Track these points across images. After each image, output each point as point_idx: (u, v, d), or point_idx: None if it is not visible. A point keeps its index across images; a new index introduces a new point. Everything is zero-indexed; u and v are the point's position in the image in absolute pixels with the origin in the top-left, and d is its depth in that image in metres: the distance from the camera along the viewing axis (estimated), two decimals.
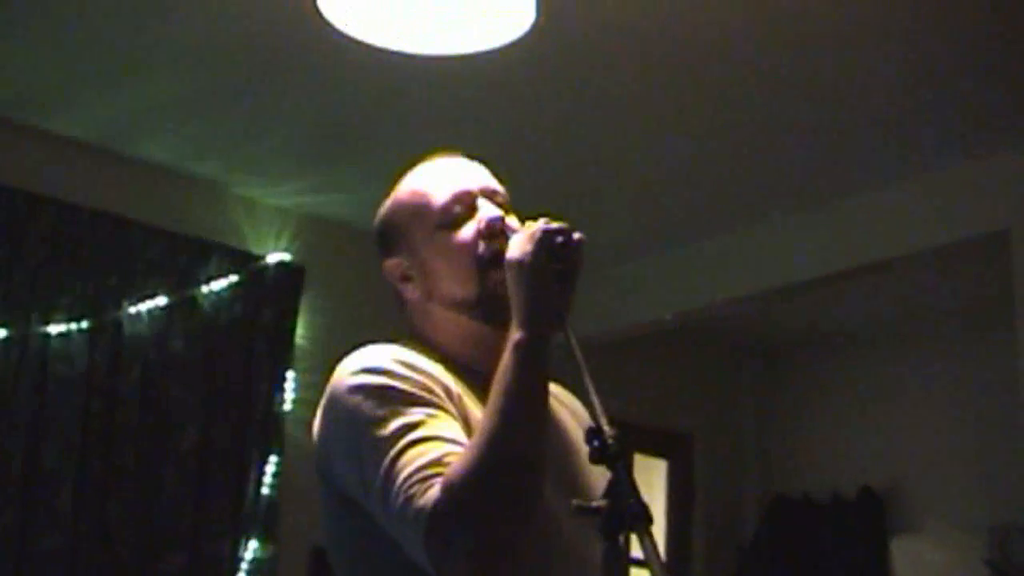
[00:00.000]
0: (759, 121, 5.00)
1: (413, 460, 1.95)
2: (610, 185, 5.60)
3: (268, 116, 5.09)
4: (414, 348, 2.23)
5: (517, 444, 1.94)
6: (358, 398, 2.10)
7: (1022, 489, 6.33)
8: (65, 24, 4.46)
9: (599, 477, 1.88)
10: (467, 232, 2.27)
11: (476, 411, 2.11)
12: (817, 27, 4.31)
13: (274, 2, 4.18)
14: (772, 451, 7.71)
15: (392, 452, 1.98)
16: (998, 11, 4.18)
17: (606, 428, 1.80)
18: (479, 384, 2.12)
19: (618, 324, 6.31)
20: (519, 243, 2.07)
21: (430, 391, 2.08)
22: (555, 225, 2.07)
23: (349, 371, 2.17)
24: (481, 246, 2.24)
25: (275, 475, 5.44)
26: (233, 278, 5.55)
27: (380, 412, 2.05)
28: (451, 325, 2.27)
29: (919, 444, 6.98)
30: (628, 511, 1.73)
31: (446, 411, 2.06)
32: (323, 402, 2.23)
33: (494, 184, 2.40)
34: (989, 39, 4.35)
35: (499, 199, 2.35)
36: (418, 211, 2.35)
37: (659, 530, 7.21)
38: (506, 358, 2.00)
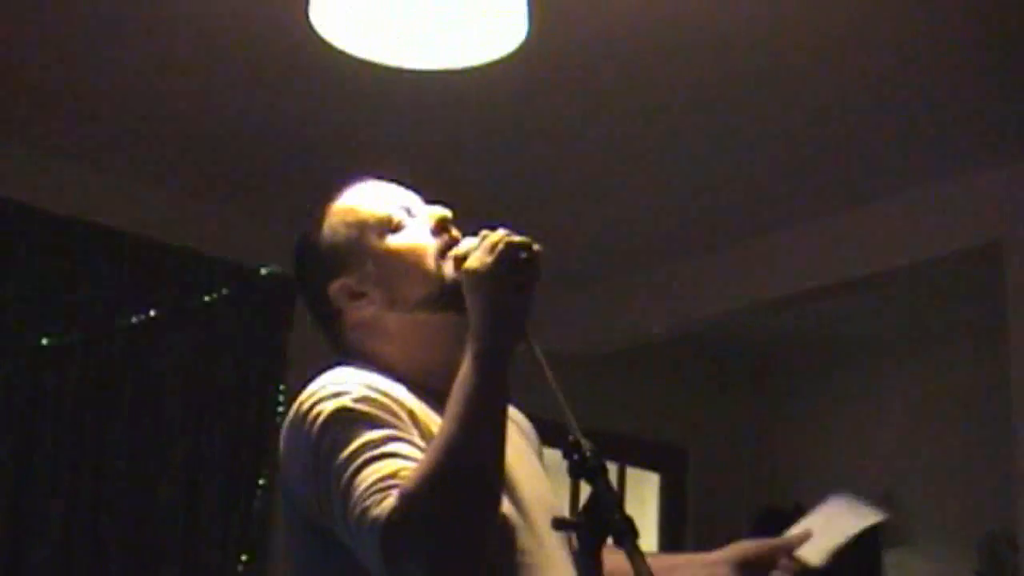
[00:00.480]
0: (752, 135, 5.01)
1: (371, 475, 1.95)
2: (600, 198, 5.61)
3: (261, 128, 5.09)
4: (372, 370, 2.21)
5: (475, 454, 1.94)
6: (320, 421, 2.09)
7: (1012, 501, 6.33)
8: (58, 37, 4.46)
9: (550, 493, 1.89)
10: (416, 230, 2.29)
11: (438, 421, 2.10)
12: (813, 43, 4.32)
13: (265, 14, 4.18)
14: (765, 463, 7.71)
15: (351, 468, 1.98)
16: (990, 24, 4.19)
17: (583, 442, 1.80)
18: (439, 404, 2.11)
19: (610, 337, 6.31)
20: (478, 254, 2.06)
21: (393, 413, 2.08)
22: (518, 238, 2.06)
23: (313, 395, 2.16)
24: (435, 240, 2.26)
25: (267, 488, 5.43)
26: (226, 290, 5.55)
27: (341, 434, 2.04)
28: (414, 330, 2.26)
29: (912, 457, 6.98)
30: (613, 525, 1.72)
31: (407, 433, 2.06)
32: (286, 425, 2.20)
33: (419, 201, 2.40)
34: (981, 52, 4.37)
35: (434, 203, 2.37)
36: (362, 224, 2.34)
37: (651, 543, 7.20)
38: (465, 367, 1.99)
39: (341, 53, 3.64)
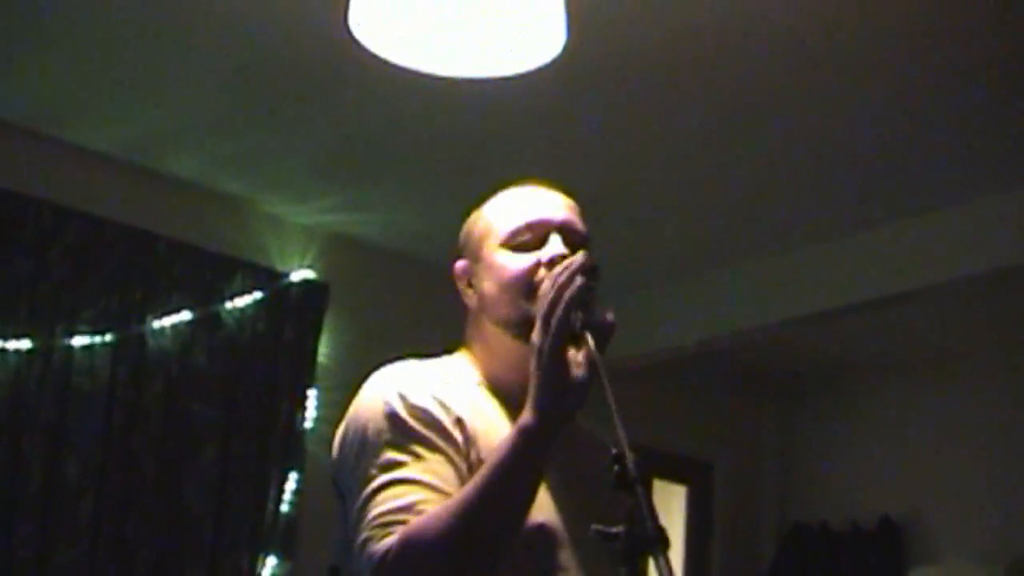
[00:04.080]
0: (788, 148, 5.00)
1: (386, 501, 2.03)
2: (635, 210, 5.60)
3: (296, 134, 5.11)
4: (454, 364, 2.32)
5: (485, 527, 1.97)
6: (364, 426, 2.18)
7: None
8: (96, 40, 4.48)
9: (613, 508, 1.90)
10: (528, 259, 2.28)
11: (505, 426, 2.14)
12: (848, 58, 4.31)
13: (304, 21, 4.19)
14: (792, 479, 7.69)
15: (372, 487, 2.07)
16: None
17: (628, 454, 1.80)
18: (513, 406, 2.16)
19: (641, 350, 6.29)
20: (539, 324, 2.01)
21: (437, 427, 2.13)
22: (565, 312, 1.98)
23: (367, 394, 2.26)
24: (538, 275, 2.24)
25: (295, 492, 5.44)
26: (257, 295, 5.56)
27: (377, 442, 2.12)
28: (495, 341, 2.30)
29: (940, 475, 6.96)
30: (646, 535, 1.74)
31: (443, 451, 2.10)
32: (346, 418, 2.30)
33: (576, 222, 2.40)
34: (1020, 70, 4.35)
35: (576, 237, 2.35)
36: (491, 225, 2.37)
37: (677, 556, 7.19)
38: (509, 436, 1.99)
39: (379, 60, 3.64)
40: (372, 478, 2.08)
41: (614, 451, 1.81)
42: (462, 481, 2.06)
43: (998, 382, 6.79)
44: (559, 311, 1.98)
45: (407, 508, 2.00)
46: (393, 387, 2.21)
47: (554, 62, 3.62)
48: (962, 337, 6.81)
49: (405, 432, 2.11)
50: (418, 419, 2.13)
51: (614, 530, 1.79)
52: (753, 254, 5.97)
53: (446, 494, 2.03)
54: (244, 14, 4.22)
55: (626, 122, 4.85)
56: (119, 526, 5.09)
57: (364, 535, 2.02)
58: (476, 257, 2.37)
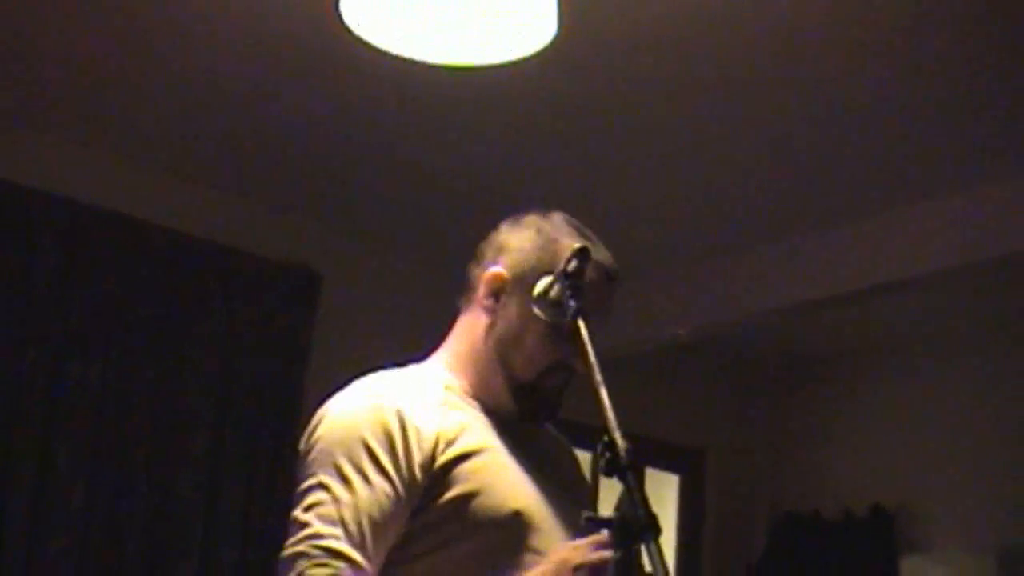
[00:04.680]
0: (781, 137, 5.00)
1: (324, 522, 2.23)
2: (627, 199, 5.60)
3: (288, 122, 5.10)
4: (434, 377, 2.39)
5: None
6: (342, 426, 2.32)
7: None
8: (87, 29, 4.47)
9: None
10: (561, 351, 2.32)
11: (488, 439, 2.28)
12: (848, 43, 4.31)
13: (294, 8, 4.19)
14: (784, 467, 7.70)
15: (317, 488, 2.27)
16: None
17: (619, 441, 1.82)
18: (493, 415, 2.32)
19: (634, 338, 6.29)
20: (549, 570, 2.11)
21: (401, 455, 2.22)
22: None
23: (354, 398, 2.37)
24: (555, 351, 2.32)
25: (287, 483, 5.43)
26: (250, 284, 5.55)
27: (340, 449, 2.27)
28: (489, 370, 2.35)
29: (932, 464, 6.97)
30: (637, 522, 1.75)
31: (393, 483, 2.21)
32: (328, 409, 2.40)
33: (609, 304, 2.44)
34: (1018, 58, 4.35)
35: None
36: (535, 266, 2.38)
37: (669, 544, 7.20)
38: None
39: (371, 47, 3.64)
40: (320, 483, 2.26)
41: (605, 438, 1.83)
42: (399, 507, 2.19)
43: (990, 371, 6.80)
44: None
45: (333, 552, 2.17)
46: (362, 406, 2.32)
47: (545, 49, 3.62)
48: (954, 326, 6.82)
49: (369, 450, 2.22)
50: (386, 448, 2.23)
51: (606, 516, 1.81)
52: (746, 243, 5.97)
53: (376, 524, 2.17)
54: (234, 3, 4.21)
55: (618, 110, 4.84)
56: (110, 515, 5.08)
57: (298, 548, 2.21)
58: (524, 287, 2.36)
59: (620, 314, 6.71)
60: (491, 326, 2.39)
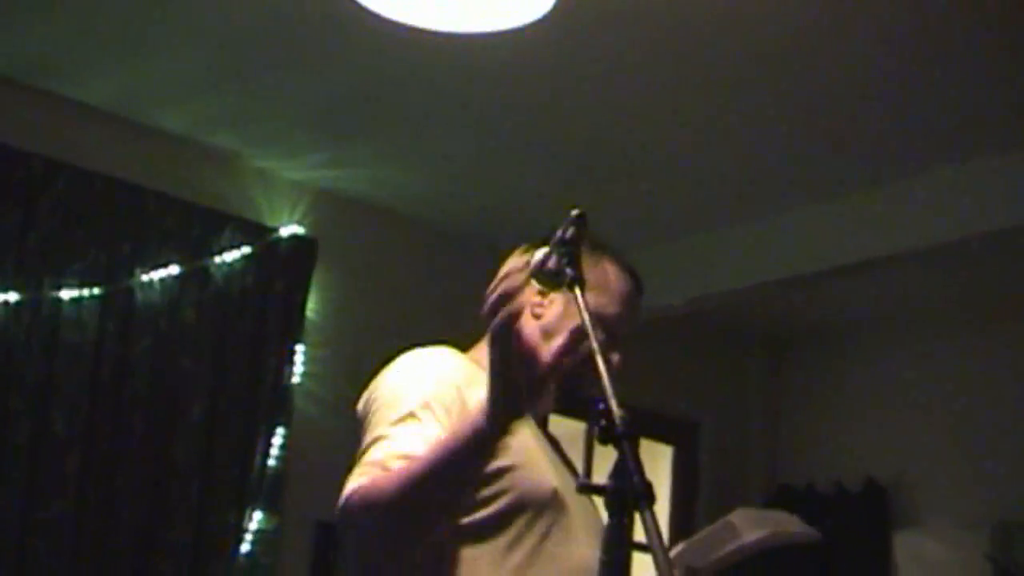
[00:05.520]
0: (775, 111, 4.99)
1: (381, 446, 2.25)
2: (623, 170, 5.60)
3: (286, 89, 5.09)
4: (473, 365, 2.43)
5: (426, 497, 2.13)
6: (381, 398, 2.39)
7: None
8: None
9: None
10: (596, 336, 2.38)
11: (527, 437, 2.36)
12: (835, 19, 4.30)
13: None
14: (778, 440, 7.71)
15: (379, 433, 2.28)
16: (1013, 7, 4.17)
17: (615, 409, 1.82)
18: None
19: None
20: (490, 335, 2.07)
21: (451, 418, 2.28)
22: (499, 321, 2.02)
23: (392, 367, 2.47)
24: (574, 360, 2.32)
25: (282, 448, 5.45)
26: (246, 250, 5.55)
27: (384, 419, 2.32)
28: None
29: (925, 438, 6.97)
30: (631, 490, 1.75)
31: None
32: (383, 376, 2.49)
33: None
34: (1007, 34, 4.34)
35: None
36: (593, 278, 2.46)
37: (663, 516, 7.21)
38: (465, 429, 2.11)
39: (370, 14, 3.63)
40: (377, 436, 2.28)
41: (600, 406, 1.83)
42: None
43: (984, 346, 6.80)
44: (496, 325, 2.02)
45: (383, 460, 2.21)
46: (414, 367, 2.43)
47: (546, 16, 3.61)
48: (948, 301, 6.81)
49: (430, 405, 2.29)
50: (446, 400, 2.30)
51: (600, 484, 1.81)
52: (741, 216, 5.97)
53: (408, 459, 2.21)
54: None
55: (617, 80, 4.84)
56: (106, 480, 5.09)
57: (354, 471, 2.23)
58: (564, 305, 2.48)
59: None
60: (542, 311, 2.53)
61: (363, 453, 2.27)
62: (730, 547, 2.82)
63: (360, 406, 2.44)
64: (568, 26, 4.22)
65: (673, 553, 2.81)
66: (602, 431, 1.83)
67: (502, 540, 2.28)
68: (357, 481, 2.18)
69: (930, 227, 5.41)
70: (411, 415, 2.27)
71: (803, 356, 7.72)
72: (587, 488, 1.89)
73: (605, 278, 2.60)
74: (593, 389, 2.10)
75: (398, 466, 2.17)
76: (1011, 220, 5.19)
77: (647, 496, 1.75)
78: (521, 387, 2.03)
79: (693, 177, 5.66)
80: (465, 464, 2.12)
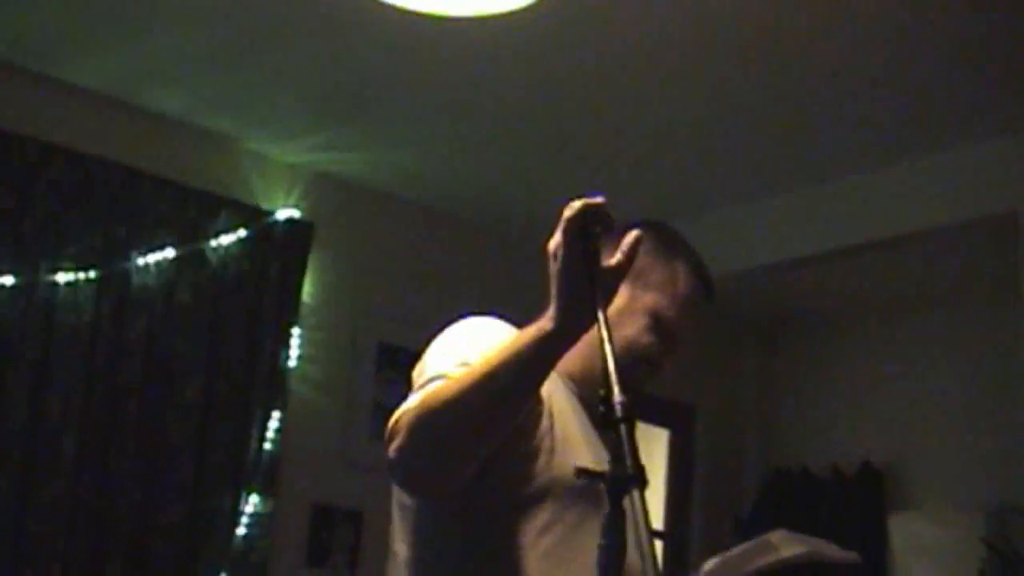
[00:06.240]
0: (770, 94, 4.99)
1: (428, 385, 2.15)
2: (615, 155, 5.60)
3: (282, 72, 5.09)
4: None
5: (488, 404, 2.06)
6: (433, 348, 2.31)
7: (1022, 471, 6.34)
8: None
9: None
10: (657, 350, 2.48)
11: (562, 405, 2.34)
12: (830, 6, 4.30)
13: None
14: (773, 424, 7.72)
15: (430, 374, 2.19)
16: None
17: (616, 394, 1.82)
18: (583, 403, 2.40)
19: None
20: (555, 236, 2.06)
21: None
22: (573, 210, 2.03)
23: (443, 333, 2.36)
24: (650, 347, 2.45)
25: (277, 431, 5.45)
26: (242, 233, 5.55)
27: (440, 357, 2.25)
28: (584, 347, 2.25)
29: (921, 421, 6.98)
30: (622, 473, 1.75)
31: None
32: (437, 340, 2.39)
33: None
34: (1007, 19, 4.34)
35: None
36: (675, 288, 2.50)
37: (658, 499, 7.22)
38: (530, 335, 2.06)
39: None
40: (431, 376, 2.19)
41: (601, 391, 1.83)
42: None
43: (979, 328, 6.81)
44: (575, 221, 2.02)
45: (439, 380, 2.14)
46: (472, 326, 2.35)
47: (539, 1, 3.61)
48: (944, 283, 6.82)
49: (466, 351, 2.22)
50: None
51: (599, 470, 1.81)
52: (735, 199, 5.97)
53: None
54: None
55: (614, 62, 4.83)
56: (102, 463, 5.10)
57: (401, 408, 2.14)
58: (644, 284, 2.48)
59: None
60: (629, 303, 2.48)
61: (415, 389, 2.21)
62: (766, 559, 2.79)
63: (414, 373, 2.35)
64: (563, 7, 4.21)
65: (708, 566, 2.79)
66: (602, 416, 1.83)
67: (535, 523, 2.22)
68: (403, 408, 2.13)
69: (925, 211, 5.42)
70: (463, 364, 2.18)
71: (799, 339, 7.73)
72: (585, 474, 1.89)
73: (673, 279, 2.53)
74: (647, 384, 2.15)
75: (444, 383, 2.12)
76: (1005, 205, 5.20)
77: (639, 479, 1.75)
78: (584, 284, 2.01)
79: (684, 162, 5.66)
80: (526, 368, 2.06)
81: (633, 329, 2.45)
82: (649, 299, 2.48)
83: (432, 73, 4.97)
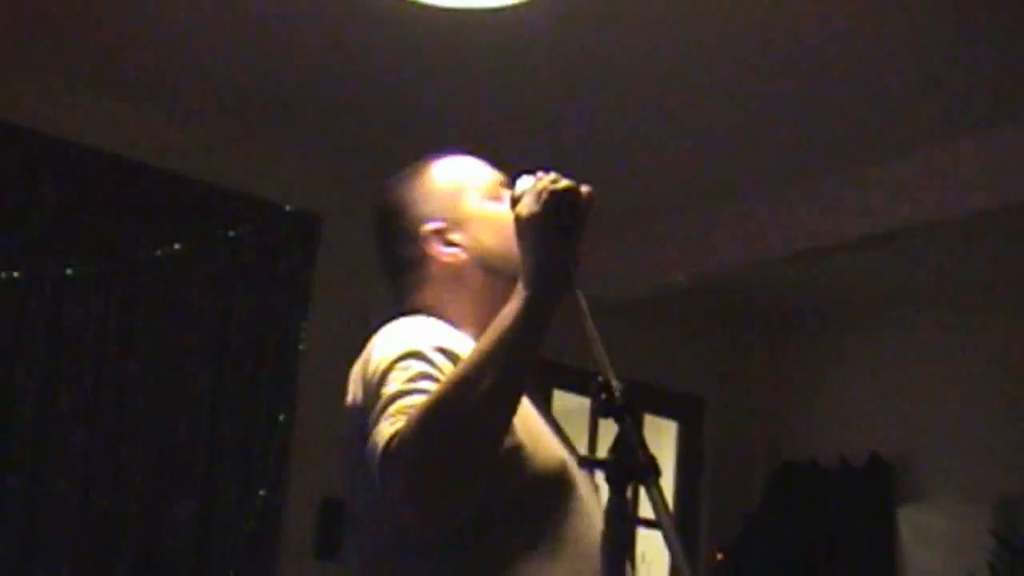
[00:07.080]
0: (784, 84, 4.98)
1: (395, 407, 1.99)
2: (626, 146, 5.59)
3: (289, 65, 5.09)
4: (441, 322, 2.29)
5: (485, 392, 1.93)
6: (383, 368, 2.11)
7: None
8: None
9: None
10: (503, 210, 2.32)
11: None
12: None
13: None
14: (782, 416, 7.71)
15: (383, 401, 2.02)
16: None
17: (614, 382, 1.81)
18: None
19: (633, 285, 6.30)
20: (527, 200, 2.08)
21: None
22: (562, 186, 2.07)
23: (384, 341, 2.20)
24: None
25: (287, 425, 5.46)
26: (251, 226, 5.55)
27: (398, 367, 2.08)
28: (493, 292, 2.26)
29: (929, 414, 6.97)
30: (637, 463, 1.73)
31: None
32: (357, 368, 2.27)
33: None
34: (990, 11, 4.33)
35: None
36: (467, 182, 2.44)
37: (667, 491, 7.21)
38: (512, 308, 2.01)
39: None
40: (387, 402, 2.03)
41: (599, 379, 1.81)
42: None
43: (989, 320, 6.80)
44: (545, 192, 2.04)
45: (412, 405, 1.97)
46: (412, 338, 2.16)
47: None
48: (954, 276, 6.81)
49: (429, 360, 2.09)
50: (437, 359, 2.10)
51: (601, 458, 1.79)
52: (746, 190, 5.96)
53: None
54: None
55: (616, 57, 4.83)
56: (111, 457, 5.11)
57: (373, 429, 1.99)
58: (455, 215, 2.38)
59: (620, 261, 6.73)
60: (469, 258, 2.39)
61: (380, 411, 2.01)
62: None
63: (349, 399, 2.25)
64: (562, 3, 4.21)
65: None
66: (603, 405, 1.81)
67: (525, 524, 2.10)
68: (391, 428, 1.94)
69: (935, 203, 5.40)
70: (416, 354, 2.08)
71: (808, 331, 7.72)
72: (588, 462, 1.87)
73: (465, 184, 2.46)
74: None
75: (430, 386, 2.00)
76: (1016, 195, 5.19)
77: (653, 469, 1.73)
78: (567, 243, 2.01)
79: (695, 153, 5.65)
80: (523, 343, 1.98)
81: (495, 228, 2.34)
82: (471, 202, 2.41)
83: (439, 67, 4.96)
